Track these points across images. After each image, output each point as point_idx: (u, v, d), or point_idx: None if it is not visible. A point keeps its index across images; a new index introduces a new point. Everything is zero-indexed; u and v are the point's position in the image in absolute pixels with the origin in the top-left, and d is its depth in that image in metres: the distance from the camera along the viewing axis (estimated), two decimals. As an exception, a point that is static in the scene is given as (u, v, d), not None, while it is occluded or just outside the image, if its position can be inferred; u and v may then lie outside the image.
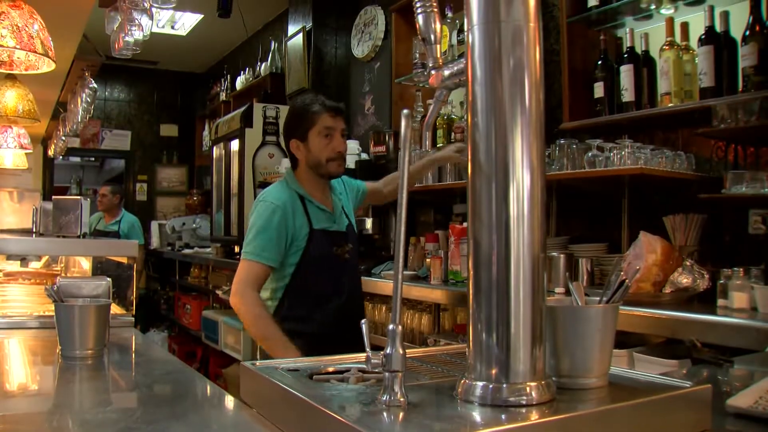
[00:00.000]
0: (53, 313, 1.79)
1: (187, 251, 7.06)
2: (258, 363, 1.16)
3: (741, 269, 2.30)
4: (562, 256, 2.91)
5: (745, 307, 2.21)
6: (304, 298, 2.56)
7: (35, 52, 2.61)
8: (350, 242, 2.68)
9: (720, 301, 2.30)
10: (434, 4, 1.08)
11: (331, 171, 2.60)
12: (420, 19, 1.07)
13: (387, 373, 0.88)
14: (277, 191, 2.62)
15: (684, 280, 2.40)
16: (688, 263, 2.45)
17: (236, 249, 5.82)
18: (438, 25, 1.09)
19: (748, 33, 2.55)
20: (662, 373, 1.60)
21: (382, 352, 0.89)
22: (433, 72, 1.06)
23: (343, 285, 2.61)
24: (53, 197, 3.59)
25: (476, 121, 0.87)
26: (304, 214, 2.56)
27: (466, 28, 0.89)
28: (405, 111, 0.94)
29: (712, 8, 2.74)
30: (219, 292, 5.56)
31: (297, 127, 2.60)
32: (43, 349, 2.04)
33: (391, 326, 0.88)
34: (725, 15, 2.69)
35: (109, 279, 2.12)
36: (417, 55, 4.19)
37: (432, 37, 1.08)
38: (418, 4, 1.08)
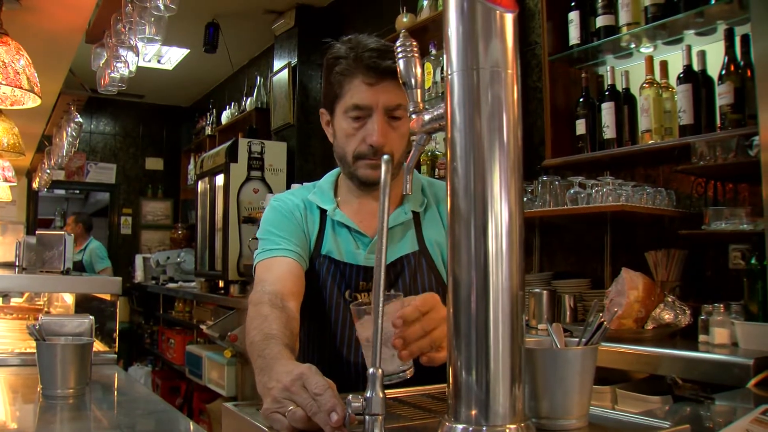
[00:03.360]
0: (35, 350, 1.78)
1: (171, 285, 7.02)
2: (240, 404, 1.15)
3: (721, 305, 2.32)
4: (545, 292, 2.93)
5: (726, 343, 2.23)
6: (312, 344, 1.75)
7: (21, 87, 2.61)
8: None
9: (701, 337, 2.32)
10: (415, 49, 1.10)
11: (360, 175, 1.65)
12: (401, 63, 1.09)
13: (368, 417, 0.88)
14: (290, 192, 1.88)
15: (666, 316, 2.42)
16: (669, 299, 2.47)
17: (221, 284, 5.79)
18: (419, 70, 1.11)
19: (724, 72, 2.61)
20: (645, 409, 1.60)
21: (362, 395, 0.90)
22: (413, 116, 1.08)
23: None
24: (37, 232, 3.57)
25: (455, 165, 0.88)
26: (317, 228, 1.75)
27: (445, 74, 0.91)
28: (385, 157, 0.96)
29: (689, 48, 2.80)
30: (203, 327, 5.52)
31: (326, 91, 1.70)
32: (23, 387, 2.02)
33: (371, 370, 0.89)
34: (702, 54, 2.75)
35: (92, 317, 2.11)
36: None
37: (413, 81, 1.09)
38: (399, 50, 1.10)
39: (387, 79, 1.56)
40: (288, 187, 5.35)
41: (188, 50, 7.35)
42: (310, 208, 1.76)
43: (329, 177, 1.82)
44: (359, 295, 1.67)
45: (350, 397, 0.92)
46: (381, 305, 0.90)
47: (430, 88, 4.11)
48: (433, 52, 4.11)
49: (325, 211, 1.73)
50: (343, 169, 1.72)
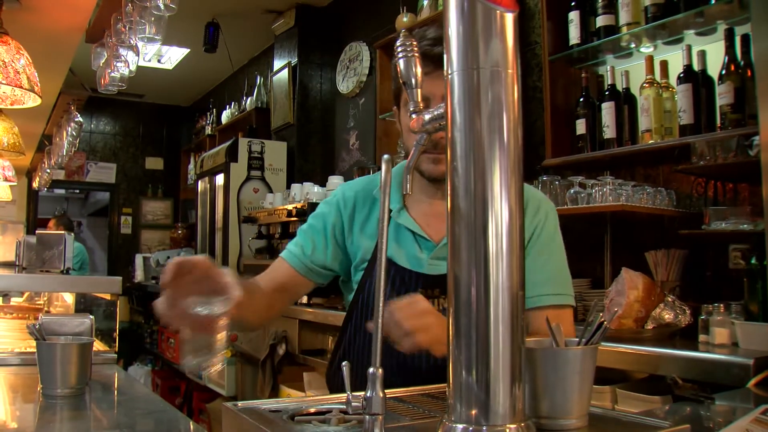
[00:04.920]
0: (35, 350, 1.78)
1: (171, 285, 7.00)
2: (240, 404, 1.15)
3: (721, 305, 2.32)
4: (545, 291, 2.92)
5: (726, 343, 2.23)
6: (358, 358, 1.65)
7: (21, 87, 2.62)
8: (441, 295, 1.61)
9: (701, 337, 2.32)
10: (415, 48, 1.10)
11: (424, 170, 1.59)
12: (401, 63, 1.09)
13: (368, 416, 0.88)
14: (360, 180, 1.80)
15: (666, 316, 2.41)
16: (669, 299, 2.47)
17: (221, 283, 5.78)
18: (419, 69, 1.11)
19: (724, 72, 2.61)
20: (645, 409, 1.61)
21: (362, 394, 0.90)
22: (413, 116, 1.08)
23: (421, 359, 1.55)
24: (37, 231, 3.58)
25: (455, 165, 0.88)
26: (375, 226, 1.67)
27: (445, 74, 0.91)
28: (385, 156, 0.96)
29: (689, 47, 2.79)
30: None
31: (393, 86, 1.66)
32: (23, 387, 2.02)
33: (371, 369, 0.89)
34: (702, 54, 2.75)
35: (92, 317, 2.11)
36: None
37: (413, 81, 1.09)
38: (399, 49, 1.10)
39: (435, 67, 1.44)
40: (288, 187, 5.36)
41: (188, 50, 7.35)
42: (372, 204, 1.69)
43: (399, 169, 1.73)
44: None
45: (350, 396, 0.92)
46: (381, 305, 0.90)
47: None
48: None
49: (391, 210, 1.61)
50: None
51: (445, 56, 0.91)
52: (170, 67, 8.04)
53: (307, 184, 4.86)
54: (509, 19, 0.88)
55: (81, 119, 5.26)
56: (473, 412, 0.86)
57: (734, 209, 2.54)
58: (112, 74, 3.00)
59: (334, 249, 1.70)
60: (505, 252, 0.87)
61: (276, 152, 5.88)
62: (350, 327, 1.69)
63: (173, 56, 7.73)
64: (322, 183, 4.88)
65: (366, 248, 1.65)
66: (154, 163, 9.88)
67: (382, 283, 0.90)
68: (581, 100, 3.22)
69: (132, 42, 2.86)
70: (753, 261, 2.35)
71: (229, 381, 4.74)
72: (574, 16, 3.23)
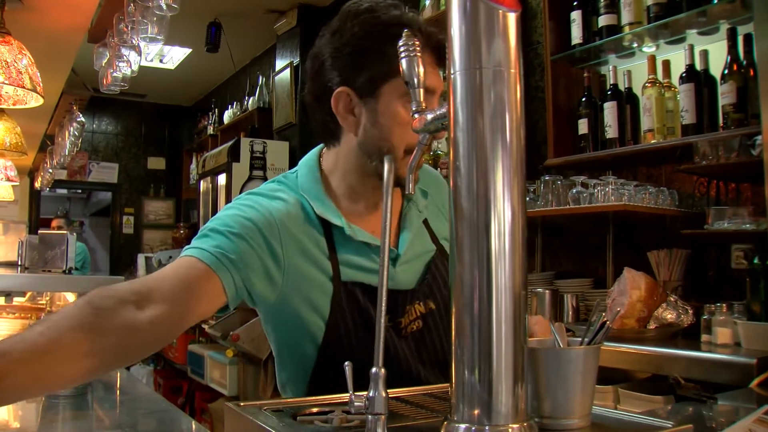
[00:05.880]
0: (37, 351, 1.78)
1: (173, 285, 7.01)
2: (242, 404, 1.15)
3: (724, 305, 2.32)
4: (547, 291, 2.93)
5: (728, 343, 2.22)
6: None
7: (23, 87, 2.62)
8: (424, 300, 1.46)
9: (704, 337, 2.32)
10: (418, 47, 1.10)
11: (404, 174, 1.27)
12: (404, 63, 1.09)
13: (370, 416, 0.88)
14: (274, 188, 1.46)
15: (668, 315, 2.41)
16: (672, 299, 2.47)
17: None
18: (421, 69, 1.11)
19: (726, 71, 2.60)
20: (647, 409, 1.60)
21: (365, 394, 0.90)
22: (416, 116, 1.08)
23: (410, 371, 1.42)
24: (39, 231, 3.58)
25: (458, 165, 0.88)
26: (325, 248, 1.40)
27: (448, 74, 0.91)
28: (387, 156, 0.96)
29: (692, 47, 2.79)
30: (205, 327, 5.52)
31: (356, 64, 1.37)
32: (26, 387, 2.02)
33: (374, 369, 0.89)
34: (705, 54, 2.74)
35: (94, 316, 2.11)
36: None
37: (415, 80, 1.09)
38: (401, 48, 1.09)
39: (443, 66, 1.32)
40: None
41: (190, 50, 7.35)
42: (308, 220, 1.41)
43: (309, 176, 1.47)
44: (402, 319, 1.42)
45: (353, 396, 0.92)
46: (383, 304, 0.90)
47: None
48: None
49: (325, 218, 1.40)
50: (372, 165, 1.39)
51: (447, 56, 0.90)
52: (172, 67, 8.04)
53: (309, 184, 4.85)
54: (512, 18, 0.88)
55: (83, 119, 5.27)
56: (476, 411, 0.86)
57: (736, 209, 2.54)
58: (114, 74, 3.01)
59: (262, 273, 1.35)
60: (507, 252, 0.87)
61: (278, 152, 5.88)
62: (322, 356, 1.39)
63: (175, 56, 7.73)
64: (324, 183, 4.86)
65: (319, 270, 1.38)
66: (156, 163, 9.88)
67: (385, 285, 0.89)
68: (583, 99, 3.22)
69: (134, 42, 2.86)
70: (755, 261, 2.34)
71: (231, 381, 4.74)
72: (576, 15, 3.23)
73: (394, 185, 1.31)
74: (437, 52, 1.35)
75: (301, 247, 1.37)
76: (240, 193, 6.27)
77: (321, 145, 1.52)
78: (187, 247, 1.30)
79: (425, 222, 1.55)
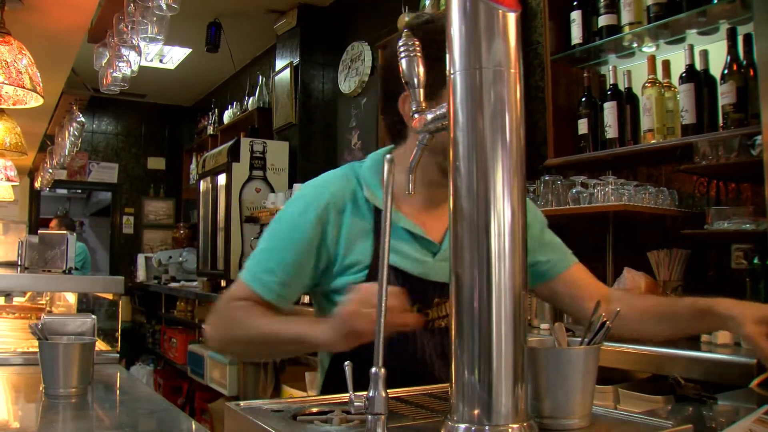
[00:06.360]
0: (37, 350, 1.78)
1: (173, 285, 7.03)
2: (242, 403, 1.15)
3: (724, 305, 2.31)
4: (547, 291, 2.92)
5: (728, 343, 2.23)
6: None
7: (23, 87, 2.62)
8: None
9: (704, 337, 2.31)
10: (417, 48, 1.10)
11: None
12: (403, 63, 1.09)
13: (370, 416, 0.89)
14: (330, 178, 1.59)
15: (668, 315, 2.41)
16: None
17: (223, 283, 5.80)
18: (421, 69, 1.11)
19: (726, 71, 2.60)
20: (647, 409, 1.60)
21: (364, 394, 0.90)
22: (416, 116, 1.08)
23: (426, 365, 1.51)
24: (39, 231, 3.58)
25: (458, 165, 0.88)
26: (372, 233, 1.51)
27: (448, 74, 0.91)
28: (388, 156, 0.96)
29: (691, 47, 2.79)
30: (205, 326, 5.53)
31: (426, 68, 1.32)
32: (26, 386, 2.02)
33: (374, 369, 0.89)
34: (704, 54, 2.74)
35: (94, 317, 2.11)
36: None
37: (415, 80, 1.09)
38: (401, 49, 1.10)
39: None
40: (290, 187, 5.35)
41: (190, 50, 7.35)
42: (360, 205, 1.52)
43: (373, 167, 1.57)
44: (430, 311, 1.50)
45: (352, 396, 0.92)
46: (384, 303, 0.90)
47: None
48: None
49: (380, 211, 1.46)
50: (440, 162, 1.46)
51: (447, 56, 0.91)
52: (172, 67, 8.04)
53: (309, 184, 4.85)
54: (512, 18, 0.88)
55: (83, 119, 5.27)
56: (476, 411, 0.86)
57: (737, 209, 2.54)
58: (114, 74, 3.01)
59: (314, 266, 1.51)
60: (507, 252, 0.87)
61: (278, 152, 5.88)
62: None
63: (175, 56, 7.73)
64: (324, 183, 4.87)
65: (361, 253, 1.50)
66: (156, 163, 9.88)
67: (384, 284, 0.89)
68: (583, 99, 3.22)
69: (134, 42, 2.86)
70: (755, 261, 2.35)
71: (231, 381, 4.75)
72: (576, 15, 3.23)
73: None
74: None
75: (347, 229, 1.49)
76: (240, 193, 6.17)
77: (391, 145, 1.61)
78: None
79: None
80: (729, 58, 2.62)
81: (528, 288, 0.89)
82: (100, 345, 2.49)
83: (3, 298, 3.59)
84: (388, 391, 0.90)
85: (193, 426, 1.53)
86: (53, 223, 7.07)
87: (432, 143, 1.35)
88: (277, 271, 1.47)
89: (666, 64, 2.92)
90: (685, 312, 1.60)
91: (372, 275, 1.47)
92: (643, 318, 1.68)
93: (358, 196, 1.52)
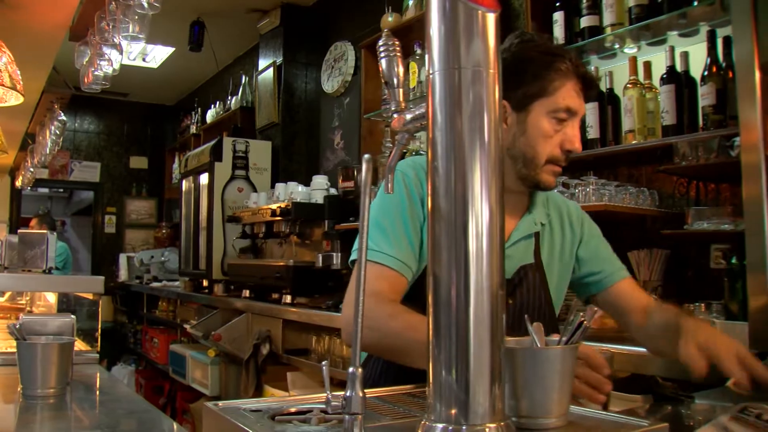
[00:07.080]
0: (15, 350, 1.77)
1: (155, 285, 7.00)
2: (221, 403, 1.15)
3: (702, 304, 2.34)
4: (528, 291, 2.93)
5: (707, 343, 2.24)
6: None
7: (3, 85, 2.60)
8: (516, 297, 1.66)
9: (683, 337, 2.33)
10: (398, 48, 1.10)
11: (542, 180, 1.61)
12: (383, 63, 1.09)
13: (347, 416, 0.88)
14: (419, 161, 1.68)
15: (648, 315, 2.43)
16: (651, 298, 2.48)
17: (204, 283, 5.78)
18: (401, 69, 1.11)
19: (706, 73, 2.62)
20: (626, 408, 1.61)
21: (342, 394, 0.90)
22: (395, 116, 1.08)
23: None
24: (19, 231, 3.55)
25: (436, 165, 0.88)
26: None
27: (427, 73, 0.91)
28: (366, 156, 0.96)
29: (672, 48, 2.81)
30: (187, 326, 5.51)
31: (517, 82, 1.57)
32: (3, 388, 2.00)
33: (351, 369, 0.89)
34: (685, 55, 2.76)
35: (73, 316, 2.10)
36: (386, 92, 4.23)
37: (395, 80, 1.10)
38: (381, 49, 1.10)
39: (586, 91, 1.61)
40: (272, 187, 5.34)
41: (173, 49, 7.32)
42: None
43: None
44: None
45: (329, 395, 0.92)
46: (360, 305, 0.90)
47: (415, 87, 4.12)
48: (418, 51, 4.12)
49: None
50: (522, 170, 1.60)
51: (426, 56, 0.91)
52: (155, 66, 8.00)
53: (292, 184, 4.85)
54: (491, 19, 0.88)
55: (64, 118, 5.23)
56: (453, 411, 0.86)
57: (716, 209, 2.56)
58: (96, 72, 2.99)
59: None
60: (485, 252, 0.87)
61: (261, 151, 5.87)
62: None
63: (158, 55, 7.69)
64: (307, 182, 4.87)
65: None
66: (138, 162, 9.82)
67: (362, 283, 0.89)
68: (565, 100, 3.23)
69: (115, 40, 2.84)
70: (733, 261, 2.37)
71: (213, 381, 4.73)
72: (558, 16, 3.24)
73: (531, 187, 1.65)
74: (583, 80, 1.59)
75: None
76: (222, 192, 6.13)
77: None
78: None
79: (536, 235, 1.72)
80: (709, 60, 2.64)
81: (504, 287, 0.89)
82: (80, 345, 2.47)
83: (-18, 298, 3.56)
84: (365, 391, 0.90)
85: (174, 427, 1.52)
86: (33, 222, 7.00)
87: (513, 151, 1.59)
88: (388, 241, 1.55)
89: (647, 66, 2.94)
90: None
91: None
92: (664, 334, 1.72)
93: None
